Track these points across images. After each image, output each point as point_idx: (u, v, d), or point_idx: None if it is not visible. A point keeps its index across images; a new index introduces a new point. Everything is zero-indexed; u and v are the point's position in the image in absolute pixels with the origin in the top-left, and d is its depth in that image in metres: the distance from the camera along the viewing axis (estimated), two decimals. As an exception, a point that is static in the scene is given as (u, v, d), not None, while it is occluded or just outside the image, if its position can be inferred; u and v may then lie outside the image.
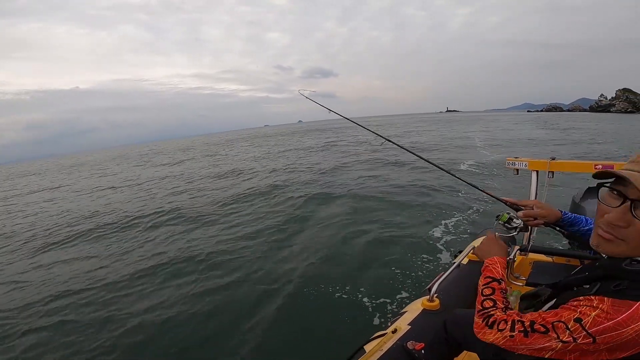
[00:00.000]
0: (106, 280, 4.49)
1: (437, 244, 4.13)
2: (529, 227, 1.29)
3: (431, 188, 6.31)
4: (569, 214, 1.23)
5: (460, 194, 5.76)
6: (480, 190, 1.66)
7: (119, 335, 3.19)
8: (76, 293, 4.17)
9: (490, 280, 1.02)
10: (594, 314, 0.68)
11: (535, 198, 2.29)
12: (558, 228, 1.24)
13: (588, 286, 0.78)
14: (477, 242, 2.27)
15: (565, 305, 0.76)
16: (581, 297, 0.74)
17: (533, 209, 1.24)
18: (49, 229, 7.81)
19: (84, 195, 12.77)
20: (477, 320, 0.92)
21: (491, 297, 0.96)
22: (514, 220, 1.27)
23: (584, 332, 0.68)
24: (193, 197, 9.42)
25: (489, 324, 0.87)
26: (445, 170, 2.00)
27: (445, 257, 4.04)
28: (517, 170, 2.34)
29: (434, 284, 1.82)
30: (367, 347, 1.60)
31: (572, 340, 0.70)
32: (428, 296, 1.82)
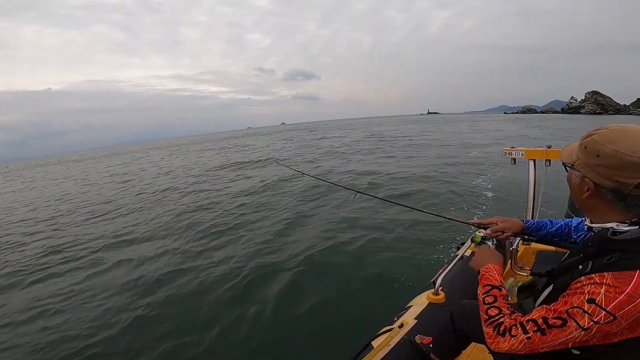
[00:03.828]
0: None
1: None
2: (502, 242, 1.34)
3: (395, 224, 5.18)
4: (531, 221, 1.30)
5: (424, 225, 4.93)
6: (448, 218, 1.72)
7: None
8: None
9: (490, 288, 1.00)
10: (602, 290, 0.68)
11: (534, 187, 2.30)
12: (527, 236, 1.30)
13: (581, 267, 0.77)
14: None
15: (569, 292, 0.75)
16: (582, 278, 0.73)
17: (497, 224, 1.30)
18: None
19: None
20: (487, 330, 0.89)
21: (495, 304, 0.93)
22: (487, 240, 1.33)
23: (603, 312, 0.67)
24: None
25: (501, 332, 0.85)
26: (410, 207, 2.08)
27: (446, 251, 4.06)
28: (514, 159, 2.31)
29: (438, 277, 1.80)
30: (375, 343, 1.57)
31: (593, 324, 0.68)
32: (433, 290, 1.80)
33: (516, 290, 1.06)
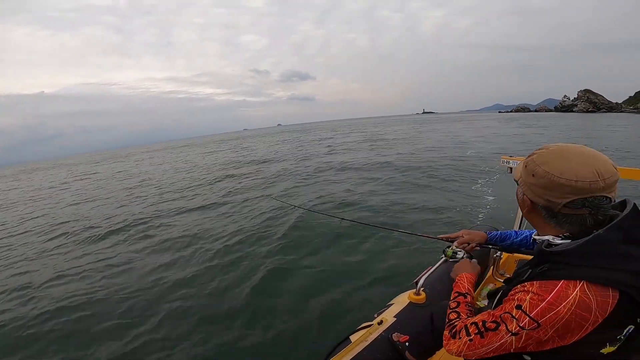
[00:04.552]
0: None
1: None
2: (471, 254, 1.42)
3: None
4: (495, 232, 1.41)
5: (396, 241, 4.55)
6: (419, 235, 1.84)
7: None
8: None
9: (457, 294, 1.07)
10: (528, 297, 0.73)
11: None
12: (491, 246, 1.39)
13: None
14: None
15: (507, 298, 0.80)
16: (518, 286, 0.78)
17: (463, 237, 1.41)
18: None
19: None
20: (445, 332, 0.95)
21: (456, 309, 1.00)
22: (458, 252, 1.41)
23: (528, 318, 0.71)
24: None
25: (452, 334, 0.90)
26: (381, 227, 2.36)
27: (431, 252, 4.05)
28: (511, 169, 2.24)
29: (421, 277, 1.80)
30: (353, 338, 1.59)
31: (520, 329, 0.73)
32: (415, 289, 1.80)
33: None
